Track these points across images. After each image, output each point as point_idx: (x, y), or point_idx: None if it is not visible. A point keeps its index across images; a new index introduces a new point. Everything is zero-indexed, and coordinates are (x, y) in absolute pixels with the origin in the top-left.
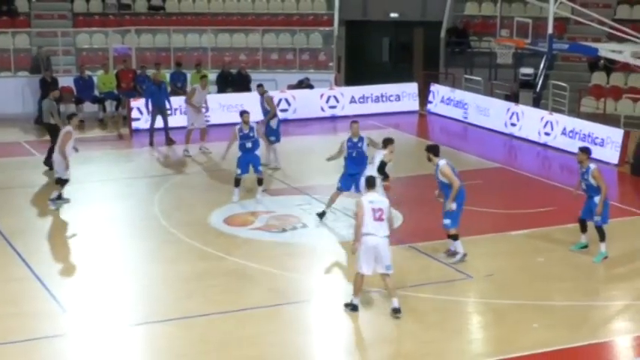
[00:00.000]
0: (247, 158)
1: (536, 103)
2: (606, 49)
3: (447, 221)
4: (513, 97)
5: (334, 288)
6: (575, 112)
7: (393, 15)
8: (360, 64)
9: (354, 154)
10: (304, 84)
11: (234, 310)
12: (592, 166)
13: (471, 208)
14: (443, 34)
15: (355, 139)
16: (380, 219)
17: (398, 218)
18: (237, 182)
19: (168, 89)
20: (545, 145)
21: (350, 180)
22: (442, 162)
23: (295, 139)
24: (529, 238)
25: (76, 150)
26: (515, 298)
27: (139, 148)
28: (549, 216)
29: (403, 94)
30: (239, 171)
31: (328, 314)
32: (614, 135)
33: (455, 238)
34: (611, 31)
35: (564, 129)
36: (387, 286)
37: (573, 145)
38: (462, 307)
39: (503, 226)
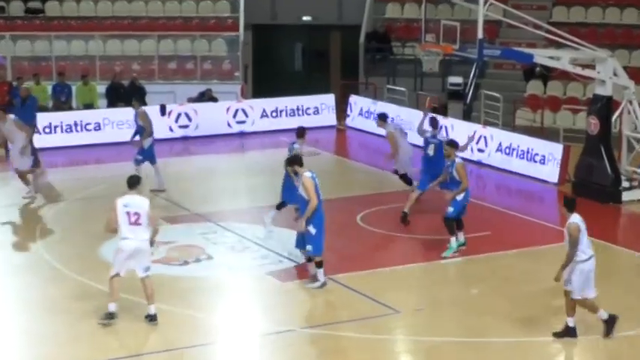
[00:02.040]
0: None
1: (467, 115)
2: (542, 56)
3: (310, 247)
4: (441, 109)
5: (243, 327)
6: (509, 125)
7: (306, 18)
8: (269, 74)
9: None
10: (206, 96)
11: (127, 356)
12: (457, 160)
13: (396, 234)
14: (362, 39)
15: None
16: (136, 223)
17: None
18: None
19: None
20: (478, 163)
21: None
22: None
23: (197, 159)
24: (461, 267)
25: None
26: (447, 335)
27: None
28: (484, 242)
29: (320, 107)
30: None
31: (235, 358)
32: (553, 150)
33: (319, 265)
34: (548, 35)
35: (499, 144)
36: (145, 290)
37: (509, 163)
38: (390, 345)
39: (432, 254)
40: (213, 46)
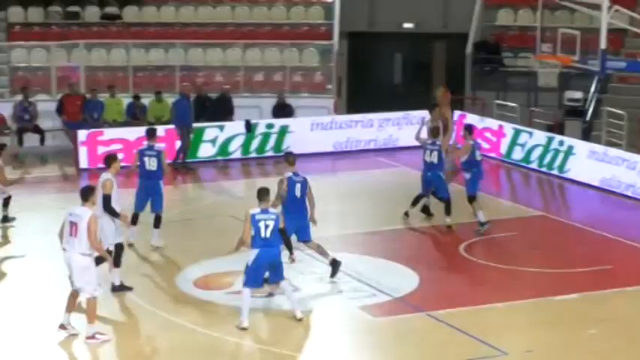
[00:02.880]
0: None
1: (587, 134)
2: None
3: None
4: (558, 128)
5: None
6: (635, 146)
7: (407, 25)
8: (365, 87)
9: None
10: (280, 104)
11: None
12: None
13: (504, 266)
14: (469, 49)
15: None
16: (74, 234)
17: (414, 279)
18: None
19: None
20: (599, 189)
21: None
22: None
23: None
24: (578, 305)
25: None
26: None
27: None
28: (604, 276)
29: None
30: None
31: None
32: None
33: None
34: None
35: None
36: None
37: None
38: None
39: (545, 290)
40: (305, 55)
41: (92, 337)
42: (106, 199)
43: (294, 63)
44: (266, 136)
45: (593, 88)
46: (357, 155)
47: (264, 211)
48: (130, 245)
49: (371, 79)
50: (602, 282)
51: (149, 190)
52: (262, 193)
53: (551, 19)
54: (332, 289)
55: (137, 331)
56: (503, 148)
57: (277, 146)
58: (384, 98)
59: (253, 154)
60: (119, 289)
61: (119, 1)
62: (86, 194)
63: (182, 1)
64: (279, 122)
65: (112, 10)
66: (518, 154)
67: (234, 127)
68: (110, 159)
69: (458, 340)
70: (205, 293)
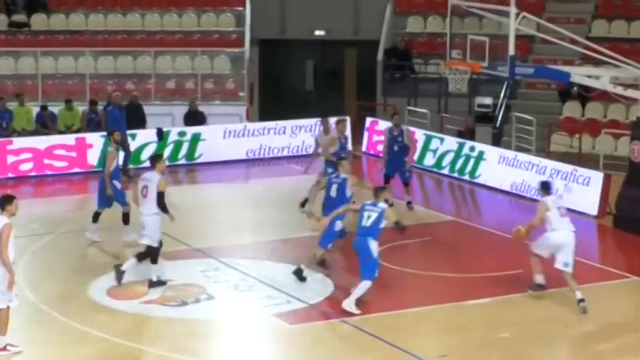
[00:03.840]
0: None
1: (497, 140)
2: (580, 74)
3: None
4: (468, 134)
5: None
6: (544, 151)
7: (319, 33)
8: (277, 94)
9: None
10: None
11: None
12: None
13: (418, 272)
14: (380, 56)
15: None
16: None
17: (328, 286)
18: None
19: None
20: (510, 194)
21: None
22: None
23: (198, 188)
24: (491, 309)
25: None
26: None
27: None
28: (516, 280)
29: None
30: None
31: None
32: (592, 179)
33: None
34: (586, 51)
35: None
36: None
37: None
38: None
39: (458, 294)
40: (216, 63)
41: (3, 348)
42: (161, 196)
43: (205, 70)
44: (178, 144)
45: (502, 94)
46: (271, 162)
47: (373, 204)
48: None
49: (283, 86)
50: (514, 286)
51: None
52: (379, 190)
53: (461, 26)
54: (246, 296)
55: (50, 342)
56: (415, 154)
57: (190, 154)
58: (297, 105)
59: (165, 162)
60: (157, 284)
61: (27, 8)
62: (3, 204)
63: (91, 9)
64: (192, 130)
65: (19, 17)
66: (429, 160)
67: (146, 135)
68: (156, 159)
69: (373, 346)
70: (119, 303)
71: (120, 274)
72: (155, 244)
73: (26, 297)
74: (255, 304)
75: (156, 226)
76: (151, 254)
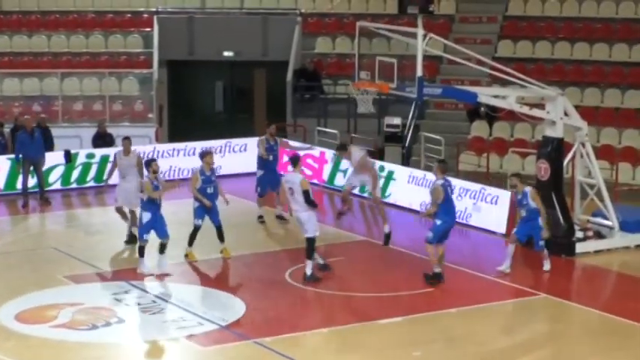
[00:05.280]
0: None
1: (406, 159)
2: (487, 94)
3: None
4: (378, 153)
5: None
6: (453, 170)
7: (228, 54)
8: (187, 115)
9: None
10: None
11: None
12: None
13: (330, 291)
14: (289, 76)
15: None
16: None
17: (240, 307)
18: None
19: None
20: (419, 213)
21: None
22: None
23: (107, 210)
24: (403, 327)
25: None
26: None
27: None
28: (428, 299)
29: (242, 151)
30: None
31: None
32: (500, 198)
33: None
34: (492, 72)
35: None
36: None
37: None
38: None
39: (369, 313)
40: (124, 84)
41: None
42: (307, 194)
43: (113, 92)
44: (87, 167)
45: (411, 114)
46: (180, 184)
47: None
48: None
49: (192, 106)
50: (427, 304)
51: None
52: None
53: (369, 47)
54: (158, 319)
55: None
56: (325, 174)
57: (98, 176)
58: (206, 126)
59: (74, 185)
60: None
61: None
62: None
63: None
64: (100, 152)
65: None
66: (340, 180)
67: (54, 157)
68: (295, 159)
69: None
70: (28, 327)
71: (325, 267)
72: (314, 235)
73: None
74: (167, 327)
75: (313, 220)
76: (309, 247)
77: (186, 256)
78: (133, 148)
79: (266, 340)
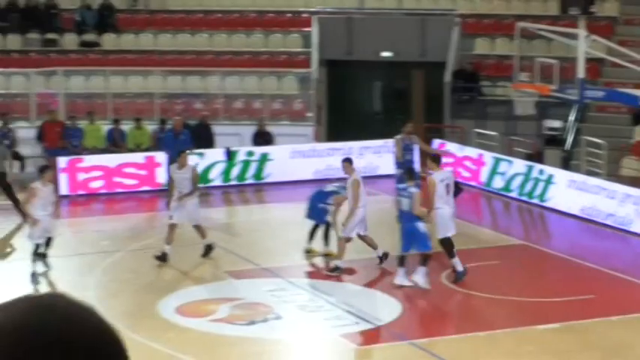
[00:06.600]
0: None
1: (566, 163)
2: None
3: None
4: (537, 157)
5: None
6: (614, 175)
7: (386, 54)
8: (344, 115)
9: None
10: (260, 132)
11: None
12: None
13: (487, 295)
14: (448, 78)
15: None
16: None
17: (396, 308)
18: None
19: None
20: (580, 218)
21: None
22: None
23: (266, 208)
24: (561, 334)
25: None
26: None
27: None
28: (587, 306)
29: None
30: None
31: None
32: None
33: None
34: None
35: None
36: None
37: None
38: None
39: (528, 319)
40: (284, 83)
41: None
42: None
43: (273, 91)
44: (246, 164)
45: (572, 117)
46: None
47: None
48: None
49: (351, 106)
50: (585, 311)
51: None
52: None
53: (529, 48)
54: (314, 317)
55: None
56: (484, 176)
57: (257, 174)
58: (364, 126)
59: (234, 182)
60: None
61: (97, 28)
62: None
63: (160, 28)
64: (260, 150)
65: (90, 37)
66: (498, 183)
67: (214, 154)
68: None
69: None
70: (188, 320)
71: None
72: (448, 235)
73: None
74: (323, 325)
75: (441, 221)
76: (445, 247)
77: (309, 252)
78: (189, 162)
79: (422, 341)
